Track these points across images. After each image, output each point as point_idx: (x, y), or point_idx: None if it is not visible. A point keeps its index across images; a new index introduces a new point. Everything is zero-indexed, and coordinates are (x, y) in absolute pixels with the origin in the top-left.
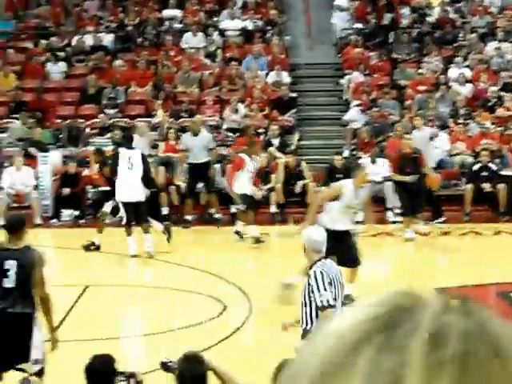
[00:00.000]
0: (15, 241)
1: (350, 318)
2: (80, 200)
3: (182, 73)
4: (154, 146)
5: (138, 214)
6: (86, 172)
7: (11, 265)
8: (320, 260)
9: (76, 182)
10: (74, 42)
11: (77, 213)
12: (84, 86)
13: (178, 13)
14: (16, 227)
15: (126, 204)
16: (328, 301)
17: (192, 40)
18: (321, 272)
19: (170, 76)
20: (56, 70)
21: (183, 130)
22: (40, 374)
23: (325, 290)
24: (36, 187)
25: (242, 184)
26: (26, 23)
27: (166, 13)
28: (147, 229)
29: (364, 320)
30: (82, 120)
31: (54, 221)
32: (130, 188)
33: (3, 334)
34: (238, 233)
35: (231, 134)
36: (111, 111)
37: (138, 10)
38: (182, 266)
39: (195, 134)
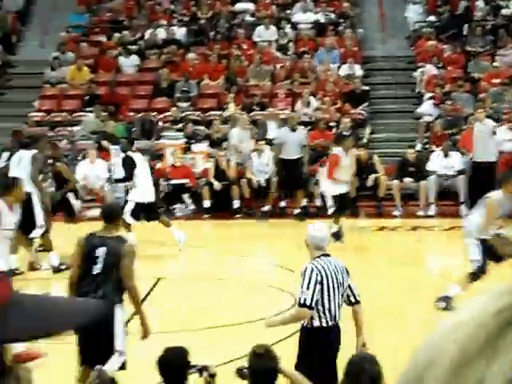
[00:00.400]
0: (109, 229)
1: (486, 307)
2: None
3: (253, 66)
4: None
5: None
6: (158, 165)
7: (101, 252)
8: (319, 257)
9: None
10: (146, 35)
11: None
12: (157, 80)
13: (250, 6)
14: (111, 216)
15: (138, 204)
16: (305, 300)
17: (264, 33)
18: (311, 269)
19: (242, 69)
20: (129, 63)
21: (254, 123)
22: (123, 367)
23: (307, 288)
24: (109, 180)
25: (335, 182)
26: (99, 17)
27: (239, 6)
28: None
29: (505, 308)
30: (154, 113)
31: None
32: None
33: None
34: (334, 235)
35: (302, 127)
36: (183, 104)
37: (210, 4)
38: (256, 259)
39: (293, 130)
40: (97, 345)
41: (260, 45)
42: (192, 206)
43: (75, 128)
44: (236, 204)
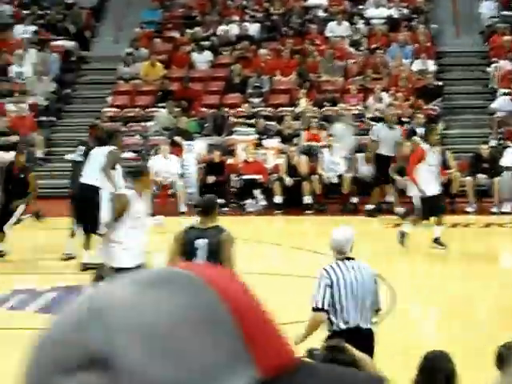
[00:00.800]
0: (206, 221)
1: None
2: (224, 188)
3: (326, 62)
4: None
5: None
6: (230, 160)
7: (201, 244)
8: (340, 260)
9: (220, 171)
10: (219, 31)
11: (221, 201)
12: (229, 76)
13: (323, 1)
14: (208, 208)
15: None
16: (317, 302)
17: (337, 28)
18: (321, 273)
19: (314, 65)
20: (201, 59)
21: (326, 119)
22: None
23: (318, 292)
24: (181, 175)
25: (422, 182)
26: (172, 13)
27: (311, 1)
28: None
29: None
30: (226, 109)
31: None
32: None
33: None
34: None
35: (374, 123)
36: (255, 100)
37: (283, 0)
38: (327, 255)
39: (390, 128)
40: None
41: (332, 40)
42: (263, 202)
43: (148, 123)
44: (307, 200)
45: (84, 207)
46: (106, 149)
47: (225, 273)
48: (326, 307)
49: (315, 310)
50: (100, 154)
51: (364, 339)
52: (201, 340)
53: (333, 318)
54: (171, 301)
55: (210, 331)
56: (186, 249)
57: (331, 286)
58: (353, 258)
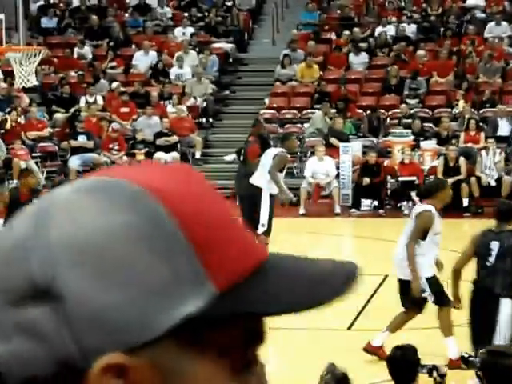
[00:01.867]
0: (502, 225)
1: None
2: (380, 190)
3: (484, 62)
4: None
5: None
6: (386, 162)
7: (495, 246)
8: None
9: (376, 172)
10: (376, 32)
11: (376, 203)
12: (385, 77)
13: (481, 2)
14: (507, 214)
15: None
16: None
17: (495, 29)
18: None
19: (472, 66)
20: (358, 60)
21: (484, 120)
22: None
23: None
24: (337, 177)
25: None
26: (329, 14)
27: (470, 2)
28: None
29: None
30: (382, 110)
31: (354, 210)
32: None
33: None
34: None
35: None
36: (412, 101)
37: (441, 0)
38: None
39: None
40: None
41: (491, 41)
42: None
43: (304, 125)
44: (465, 202)
45: (248, 207)
46: (275, 150)
47: (172, 174)
48: None
49: None
50: (269, 155)
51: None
52: (147, 258)
53: None
54: (112, 217)
55: (156, 247)
56: (479, 251)
57: None
58: None
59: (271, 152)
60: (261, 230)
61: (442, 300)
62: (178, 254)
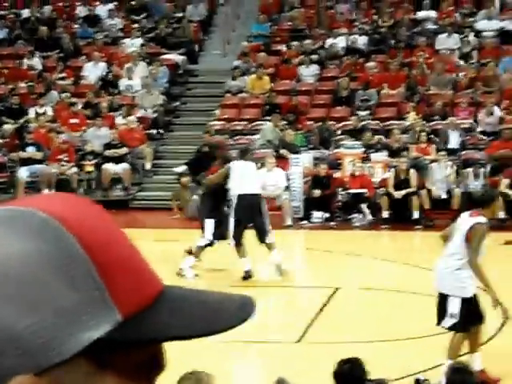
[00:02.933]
0: None
1: None
2: (330, 202)
3: (435, 74)
4: None
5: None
6: (337, 174)
7: None
8: None
9: (327, 184)
10: (327, 44)
11: (327, 215)
12: (336, 89)
13: (432, 14)
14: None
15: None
16: None
17: (446, 41)
18: None
19: (423, 78)
20: (308, 72)
21: (435, 132)
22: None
23: None
24: (287, 189)
25: None
26: (279, 26)
27: (421, 14)
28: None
29: None
30: (333, 122)
31: (305, 222)
32: None
33: None
34: None
35: (485, 138)
36: (363, 113)
37: (391, 12)
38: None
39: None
40: None
41: (442, 53)
42: (370, 217)
43: (254, 136)
44: (416, 215)
45: (251, 216)
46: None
47: (75, 204)
48: None
49: None
50: (249, 167)
51: None
52: (57, 283)
53: None
54: (21, 245)
55: (64, 273)
56: None
57: None
58: None
59: (248, 165)
60: (271, 239)
61: (463, 327)
62: (86, 280)
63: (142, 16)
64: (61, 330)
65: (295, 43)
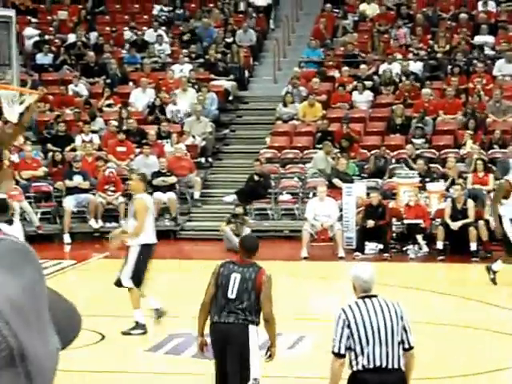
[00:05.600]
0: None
1: None
2: (385, 233)
3: (493, 101)
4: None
5: None
6: (392, 204)
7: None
8: (360, 298)
9: (381, 214)
10: (381, 70)
11: (381, 246)
12: (391, 116)
13: (490, 39)
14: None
15: None
16: (333, 347)
17: (505, 67)
18: (339, 314)
19: (480, 105)
20: (362, 98)
21: (493, 161)
22: None
23: (335, 335)
24: (340, 219)
25: None
26: (333, 51)
27: (478, 39)
28: None
29: None
30: (387, 150)
31: (358, 254)
32: None
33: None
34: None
35: None
36: (418, 141)
37: (448, 37)
38: (497, 306)
39: None
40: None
41: (500, 79)
42: (425, 248)
43: (306, 165)
44: (473, 246)
45: None
46: None
47: None
48: (342, 351)
49: (334, 354)
50: None
51: (393, 380)
52: None
53: (357, 358)
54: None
55: None
56: None
57: (349, 326)
58: (375, 296)
59: None
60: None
61: None
62: None
63: (190, 41)
64: None
65: (348, 69)
